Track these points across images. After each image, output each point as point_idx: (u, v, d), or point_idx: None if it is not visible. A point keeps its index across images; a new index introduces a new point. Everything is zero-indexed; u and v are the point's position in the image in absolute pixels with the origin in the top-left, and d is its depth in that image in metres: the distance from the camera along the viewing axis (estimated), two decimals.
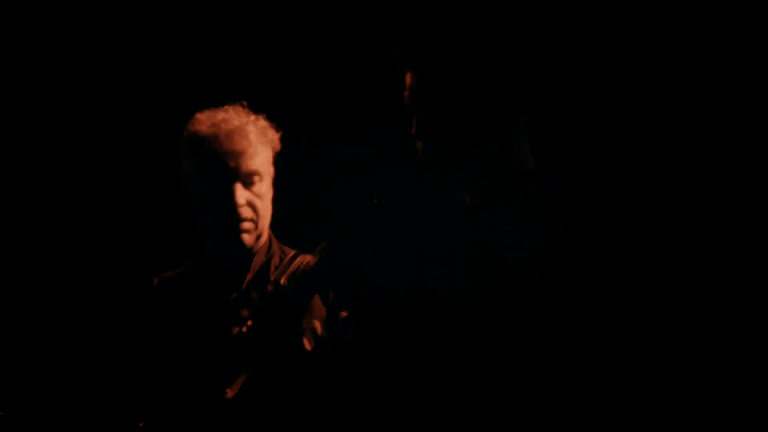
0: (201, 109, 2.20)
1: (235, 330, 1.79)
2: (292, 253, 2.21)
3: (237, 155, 2.10)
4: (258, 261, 2.17)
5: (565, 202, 1.62)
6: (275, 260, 2.18)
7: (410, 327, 1.66)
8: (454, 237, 1.70)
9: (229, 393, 1.82)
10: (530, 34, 1.68)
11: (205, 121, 2.14)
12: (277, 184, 2.24)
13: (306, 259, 2.16)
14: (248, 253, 2.16)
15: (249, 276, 2.15)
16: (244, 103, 2.19)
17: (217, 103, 2.21)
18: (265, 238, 2.20)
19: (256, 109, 2.21)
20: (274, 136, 2.19)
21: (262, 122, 2.18)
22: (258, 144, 2.14)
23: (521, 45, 1.69)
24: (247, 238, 2.13)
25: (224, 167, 2.10)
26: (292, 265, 2.16)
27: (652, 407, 1.53)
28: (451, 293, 1.65)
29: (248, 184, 2.12)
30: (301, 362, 1.74)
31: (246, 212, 2.11)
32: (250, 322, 1.75)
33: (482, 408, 1.57)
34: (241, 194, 2.10)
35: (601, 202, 1.61)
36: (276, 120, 2.22)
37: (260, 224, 2.16)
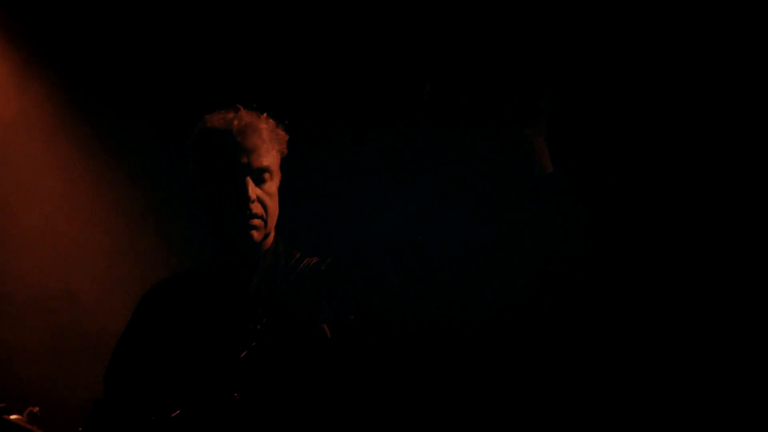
0: (208, 112, 2.22)
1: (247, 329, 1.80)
2: (298, 255, 2.23)
3: (250, 151, 2.12)
4: (266, 262, 2.18)
5: (584, 209, 1.63)
6: (282, 262, 2.20)
7: (417, 331, 1.67)
8: (468, 243, 1.71)
9: (237, 395, 1.83)
10: (549, 40, 1.68)
11: (217, 118, 2.15)
12: (286, 187, 2.26)
13: (312, 261, 2.18)
14: (256, 251, 2.17)
15: (257, 277, 2.15)
16: (254, 105, 2.21)
17: (224, 106, 2.23)
18: (271, 238, 2.21)
19: (265, 112, 2.23)
20: (284, 137, 2.21)
21: (273, 122, 2.20)
22: (270, 142, 2.16)
23: (541, 50, 1.69)
24: (257, 235, 2.14)
25: (237, 163, 2.11)
26: (300, 267, 2.17)
27: (656, 410, 1.54)
28: (462, 299, 1.65)
29: (259, 181, 2.14)
30: (310, 362, 1.75)
31: (257, 208, 2.13)
32: (264, 321, 1.77)
33: (486, 411, 1.58)
34: (252, 190, 2.11)
35: (621, 209, 1.61)
36: (288, 123, 2.24)
37: (269, 222, 2.17)
